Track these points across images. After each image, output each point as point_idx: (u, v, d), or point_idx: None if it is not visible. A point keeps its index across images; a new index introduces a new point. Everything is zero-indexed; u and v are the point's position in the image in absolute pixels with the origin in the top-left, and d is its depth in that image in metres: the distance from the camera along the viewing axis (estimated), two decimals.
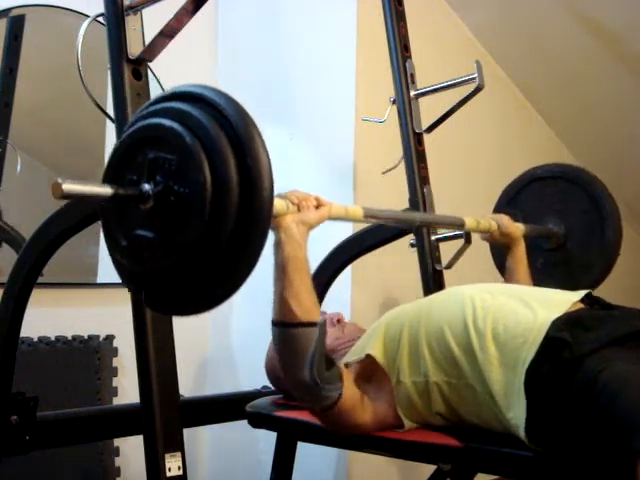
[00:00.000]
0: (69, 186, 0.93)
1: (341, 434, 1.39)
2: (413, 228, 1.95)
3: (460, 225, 1.70)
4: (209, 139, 0.93)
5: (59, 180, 0.92)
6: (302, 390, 1.31)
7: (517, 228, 1.81)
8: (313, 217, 1.30)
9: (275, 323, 1.28)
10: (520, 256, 1.80)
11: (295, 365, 1.27)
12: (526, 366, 1.23)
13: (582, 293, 1.37)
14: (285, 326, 1.26)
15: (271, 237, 1.24)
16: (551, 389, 1.20)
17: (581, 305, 1.36)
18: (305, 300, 1.26)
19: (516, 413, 1.24)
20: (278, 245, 1.26)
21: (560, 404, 1.19)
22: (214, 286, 0.97)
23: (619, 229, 1.95)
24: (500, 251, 1.90)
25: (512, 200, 2.06)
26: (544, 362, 1.22)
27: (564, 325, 1.25)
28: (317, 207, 1.32)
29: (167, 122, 0.97)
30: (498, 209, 2.05)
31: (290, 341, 1.27)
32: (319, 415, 1.36)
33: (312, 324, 1.25)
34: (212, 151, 0.93)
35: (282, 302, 1.26)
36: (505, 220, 1.79)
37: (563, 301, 1.34)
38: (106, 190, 0.98)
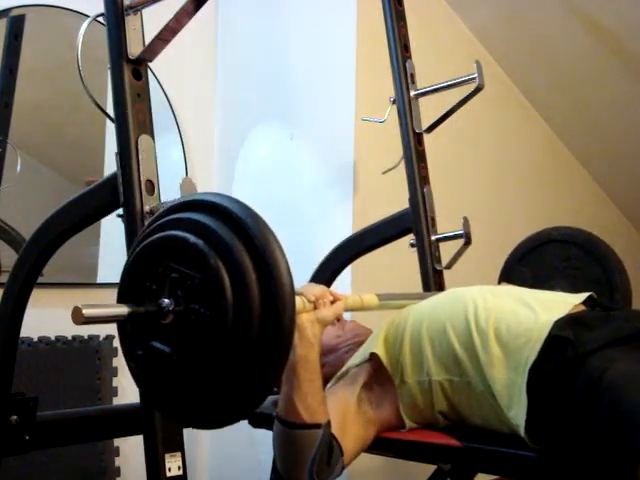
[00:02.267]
0: (89, 311, 0.93)
1: None
2: (414, 230, 1.96)
3: None
4: (233, 260, 0.91)
5: (79, 305, 0.92)
6: None
7: None
8: (329, 314, 1.30)
9: (279, 420, 1.28)
10: None
11: (294, 466, 1.27)
12: (529, 365, 1.23)
13: (584, 295, 1.38)
14: (289, 426, 1.26)
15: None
16: (554, 387, 1.20)
17: (583, 307, 1.36)
18: (312, 402, 1.25)
19: (517, 412, 1.24)
20: None
21: (563, 402, 1.19)
22: (233, 401, 0.95)
23: (629, 305, 1.92)
24: None
25: (524, 257, 2.04)
26: (548, 361, 1.22)
27: (566, 325, 1.25)
28: (333, 302, 1.31)
29: (192, 238, 0.94)
30: (509, 264, 2.04)
31: (293, 442, 1.27)
32: None
33: (317, 426, 1.25)
34: (235, 272, 0.91)
35: (289, 402, 1.26)
36: None
37: (565, 303, 1.34)
38: (124, 310, 0.96)
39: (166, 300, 0.95)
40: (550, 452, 1.22)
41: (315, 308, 1.28)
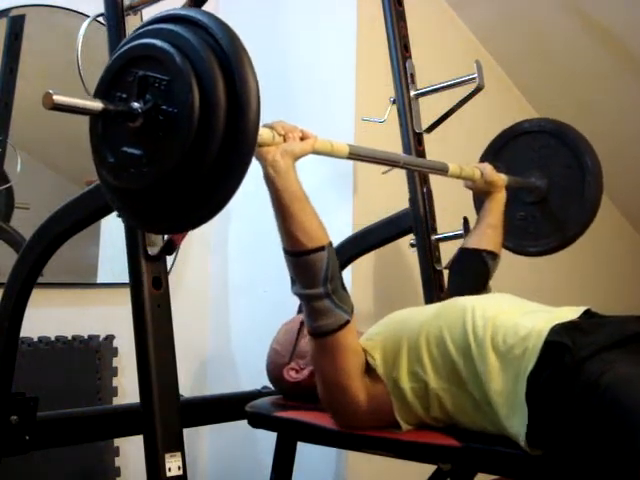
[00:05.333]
0: (60, 98, 0.95)
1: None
2: (414, 230, 1.95)
3: (444, 170, 1.70)
4: (199, 61, 0.95)
5: (50, 91, 0.94)
6: (313, 300, 1.31)
7: (500, 178, 1.84)
8: (298, 148, 1.32)
9: (286, 252, 1.31)
10: (499, 200, 1.83)
11: (310, 283, 1.30)
12: (527, 374, 1.22)
13: (582, 309, 1.37)
14: (295, 255, 1.30)
15: (258, 168, 1.25)
16: (553, 394, 1.19)
17: (579, 321, 1.35)
18: (309, 227, 1.29)
19: (517, 422, 1.23)
20: (268, 180, 1.29)
21: (563, 408, 1.18)
22: (196, 205, 0.99)
23: (600, 187, 1.96)
24: (482, 200, 1.91)
25: (497, 152, 2.08)
26: (545, 368, 1.21)
27: (563, 330, 1.24)
28: (302, 139, 1.34)
29: (159, 42, 0.98)
30: (483, 160, 2.05)
31: (302, 267, 1.31)
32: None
33: (320, 248, 1.29)
34: (202, 73, 0.95)
35: (287, 234, 1.29)
36: (488, 169, 1.81)
37: (561, 316, 1.33)
38: (96, 105, 0.99)
39: (135, 103, 0.98)
40: (551, 457, 1.21)
41: (285, 142, 1.32)
